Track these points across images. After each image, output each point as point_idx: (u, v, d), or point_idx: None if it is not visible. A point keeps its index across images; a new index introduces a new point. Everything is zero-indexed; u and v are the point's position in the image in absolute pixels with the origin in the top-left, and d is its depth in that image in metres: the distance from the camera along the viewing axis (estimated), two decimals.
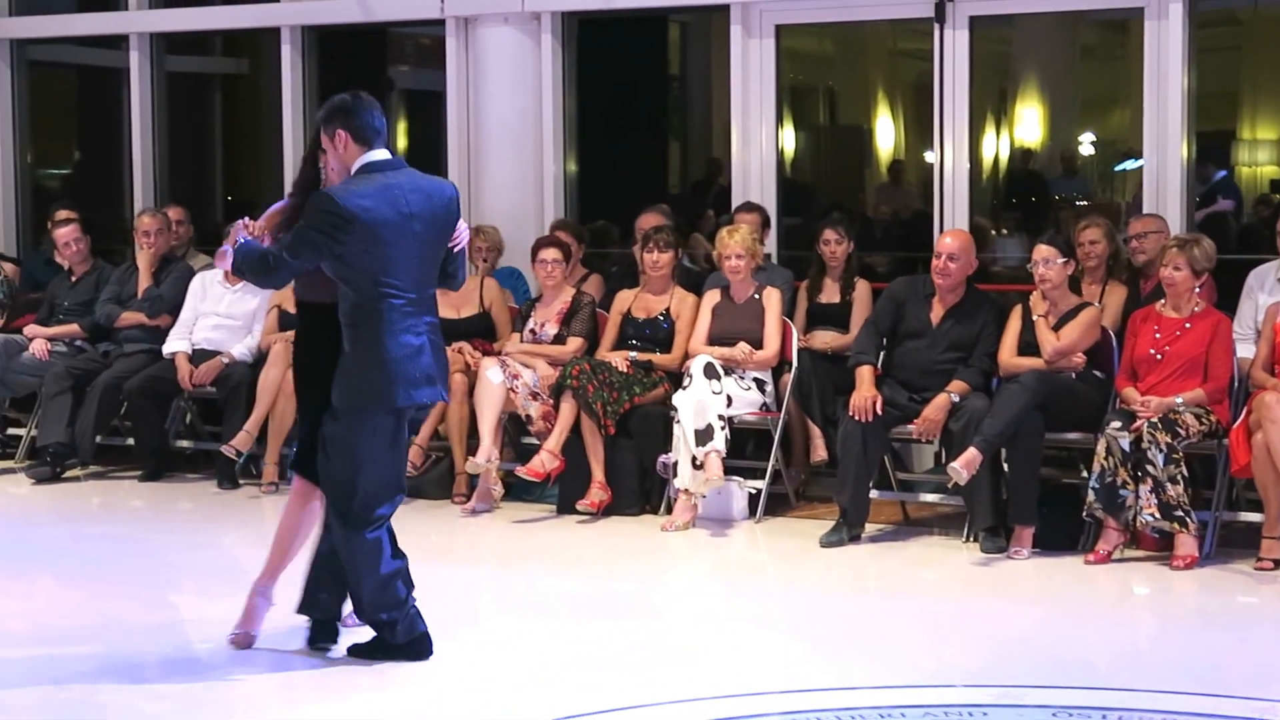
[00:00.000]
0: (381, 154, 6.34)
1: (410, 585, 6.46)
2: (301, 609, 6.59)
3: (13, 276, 11.87)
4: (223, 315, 10.52)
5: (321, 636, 6.61)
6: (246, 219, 6.48)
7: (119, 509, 10.03)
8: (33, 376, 10.80)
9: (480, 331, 10.12)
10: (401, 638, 6.45)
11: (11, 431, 11.29)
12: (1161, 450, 8.03)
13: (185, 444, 10.89)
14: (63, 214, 11.37)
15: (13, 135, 13.14)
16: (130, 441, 10.84)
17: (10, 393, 10.98)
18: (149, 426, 10.38)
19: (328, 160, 6.46)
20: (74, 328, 10.94)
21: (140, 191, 12.57)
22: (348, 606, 6.59)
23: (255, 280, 6.47)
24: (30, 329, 10.98)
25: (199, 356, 10.39)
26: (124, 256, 12.02)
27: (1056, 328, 8.63)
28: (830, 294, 9.91)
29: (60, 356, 10.79)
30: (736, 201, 10.85)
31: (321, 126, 6.38)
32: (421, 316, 6.31)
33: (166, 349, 10.43)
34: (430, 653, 6.48)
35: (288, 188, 11.89)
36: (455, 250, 6.51)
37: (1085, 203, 12.52)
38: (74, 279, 11.17)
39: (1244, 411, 8.21)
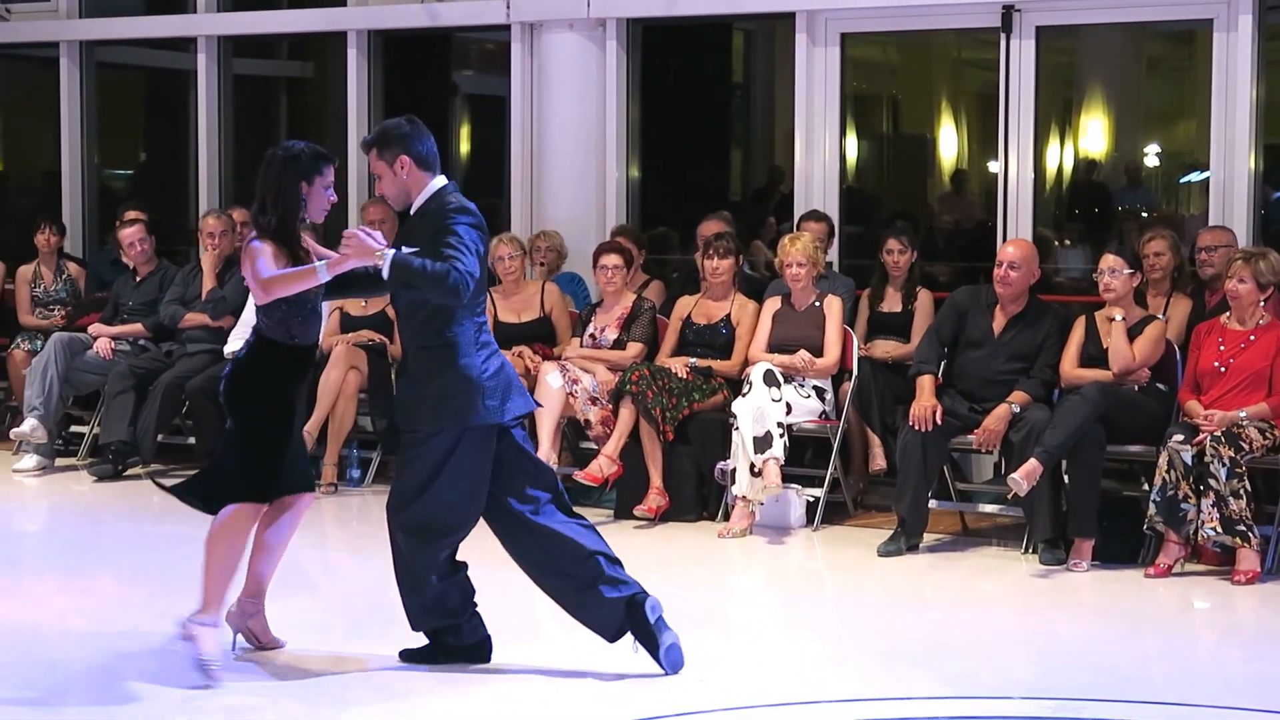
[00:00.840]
0: (444, 179, 6.38)
1: (471, 591, 6.47)
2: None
3: (77, 276, 11.97)
4: None
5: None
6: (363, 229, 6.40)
7: (179, 508, 9.88)
8: (96, 375, 10.89)
9: (540, 336, 10.13)
10: (467, 639, 6.50)
11: (74, 429, 11.37)
12: (1224, 464, 7.97)
13: None
14: (130, 214, 11.45)
15: (80, 136, 13.25)
16: (191, 441, 10.91)
17: (74, 391, 11.05)
18: (210, 426, 10.40)
19: (382, 186, 6.42)
20: (138, 327, 11.02)
21: (205, 193, 12.66)
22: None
23: (434, 294, 6.15)
24: (94, 328, 11.06)
25: None
26: (188, 258, 12.11)
27: None
28: (892, 303, 9.88)
29: (124, 355, 10.87)
30: (799, 209, 10.84)
31: (376, 150, 6.35)
32: (488, 334, 6.41)
33: (228, 349, 10.48)
34: (489, 657, 6.49)
35: (353, 191, 12.05)
36: None
37: (1148, 214, 12.43)
38: (138, 279, 11.25)
39: None
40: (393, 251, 6.16)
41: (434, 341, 6.27)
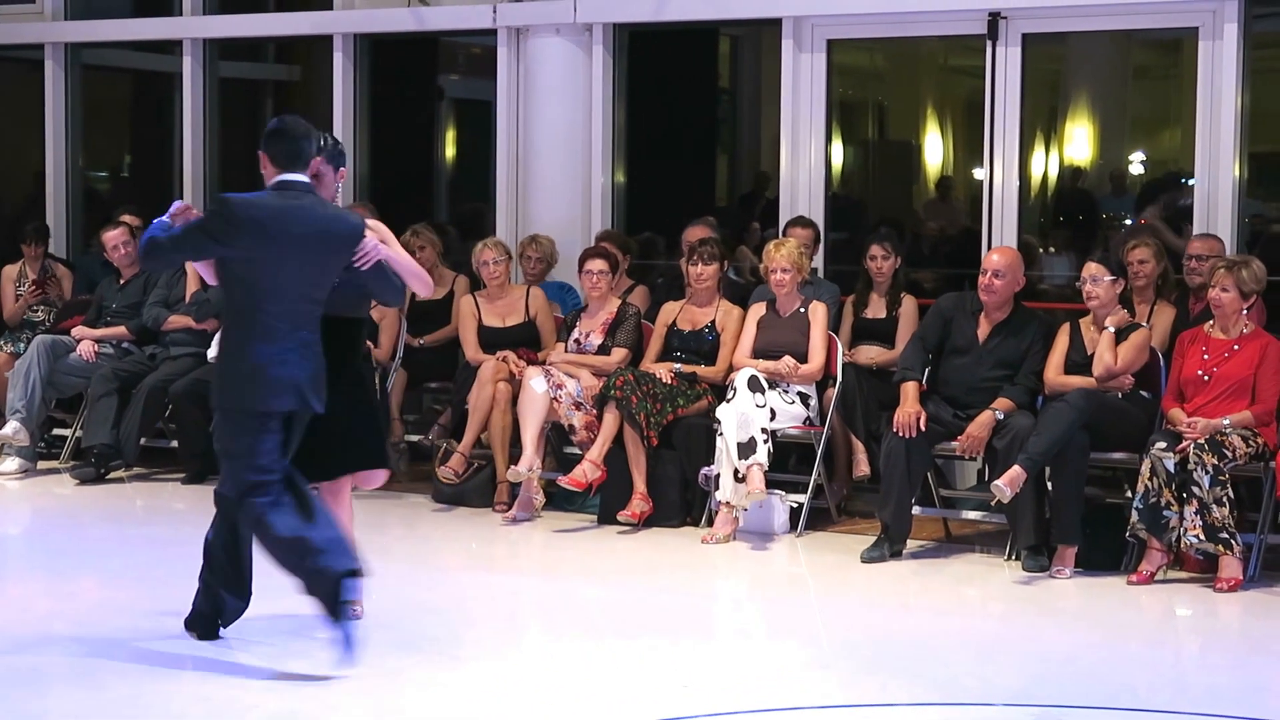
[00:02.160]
0: (295, 177, 6.61)
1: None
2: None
3: (64, 278, 11.95)
4: None
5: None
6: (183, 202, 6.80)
7: (162, 511, 10.06)
8: (79, 378, 10.85)
9: (525, 340, 10.13)
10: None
11: (57, 432, 11.34)
12: (1208, 472, 7.98)
13: None
14: (124, 218, 11.43)
15: (65, 139, 13.22)
16: (175, 444, 10.89)
17: (57, 393, 11.01)
18: (193, 429, 10.37)
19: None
20: (121, 330, 10.99)
21: (191, 196, 12.62)
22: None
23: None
24: (78, 330, 11.03)
25: None
26: None
27: None
28: (876, 309, 9.88)
29: (107, 358, 10.85)
30: (784, 215, 10.84)
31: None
32: (296, 330, 6.50)
33: (211, 353, 10.46)
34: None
35: (339, 196, 12.01)
36: (366, 269, 6.72)
37: (1130, 220, 12.45)
38: (122, 281, 11.22)
39: None
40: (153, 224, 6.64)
41: (226, 322, 6.76)
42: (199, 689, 6.28)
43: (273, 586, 6.70)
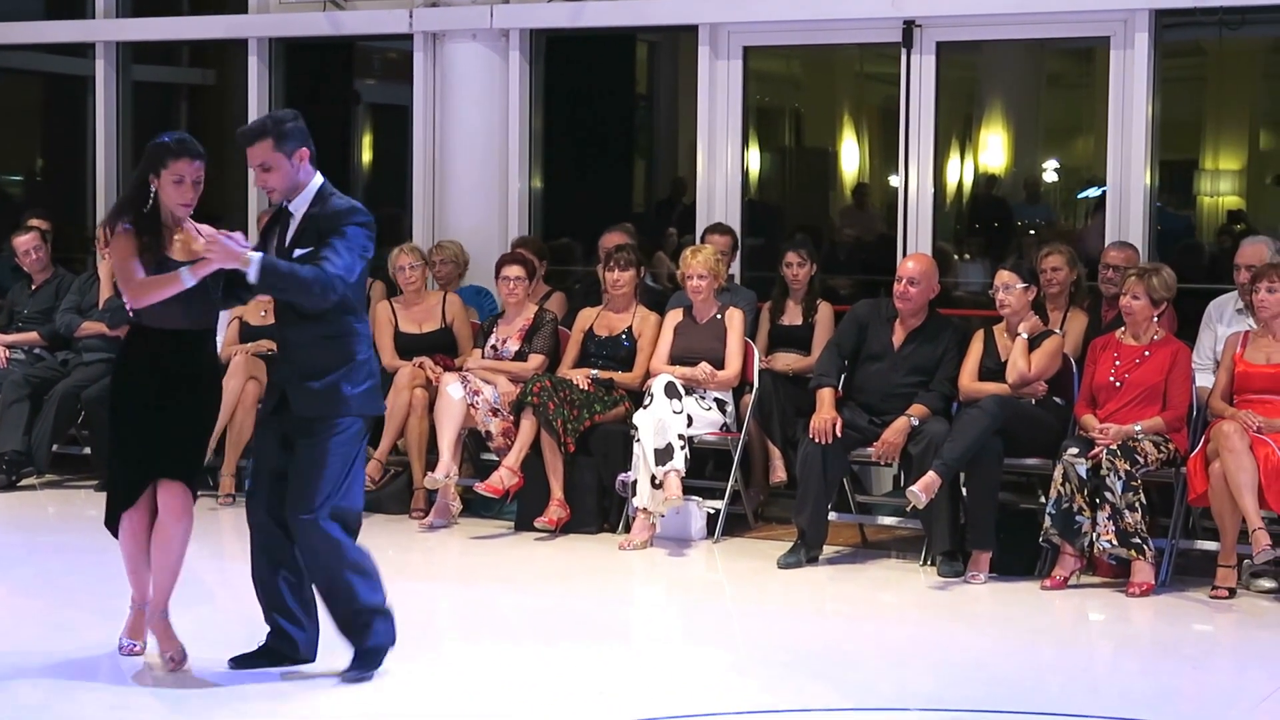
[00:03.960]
0: (321, 178, 6.40)
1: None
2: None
3: None
4: None
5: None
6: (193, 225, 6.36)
7: (75, 518, 9.96)
8: None
9: (442, 346, 10.10)
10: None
11: None
12: (1120, 477, 8.05)
13: None
14: (33, 222, 11.31)
15: None
16: (87, 451, 10.78)
17: None
18: (106, 436, 10.28)
19: (271, 178, 6.33)
20: (33, 335, 10.90)
21: (104, 200, 12.52)
22: None
23: (307, 301, 6.19)
24: None
25: None
26: (85, 265, 11.96)
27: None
28: (793, 316, 9.91)
29: (18, 364, 10.74)
30: (701, 221, 10.87)
31: (274, 141, 6.27)
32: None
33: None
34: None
35: (252, 200, 11.98)
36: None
37: (1048, 227, 12.56)
38: (34, 286, 11.13)
39: (1202, 440, 8.23)
40: (259, 255, 6.13)
41: (340, 329, 6.30)
42: (113, 698, 6.22)
43: (188, 595, 6.66)
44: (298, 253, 6.26)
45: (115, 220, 6.39)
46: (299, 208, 6.38)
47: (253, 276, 6.14)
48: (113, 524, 6.57)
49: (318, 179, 6.37)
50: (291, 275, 6.13)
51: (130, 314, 6.47)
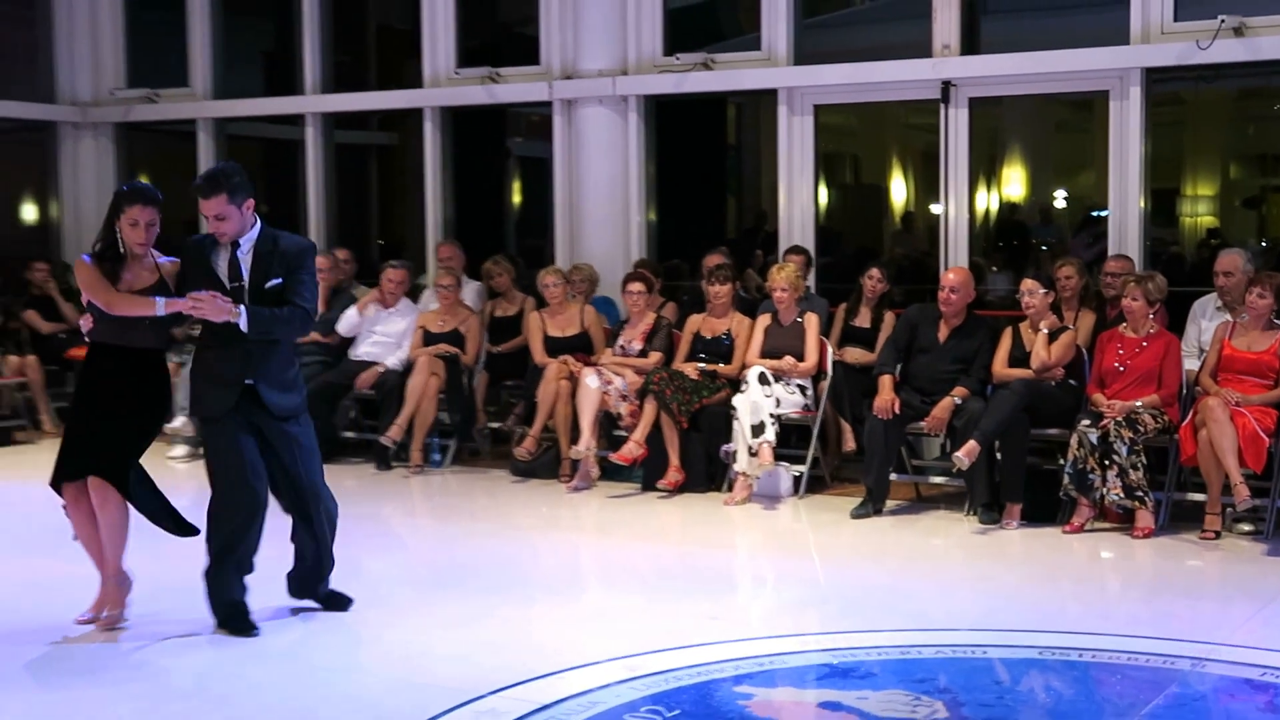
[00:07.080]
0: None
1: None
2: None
3: None
4: (380, 333, 10.57)
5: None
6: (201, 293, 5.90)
7: None
8: None
9: (581, 347, 10.14)
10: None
11: None
12: (1125, 443, 7.97)
13: (350, 435, 10.94)
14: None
15: None
16: None
17: None
18: (321, 421, 10.39)
19: (226, 225, 5.90)
20: None
21: (319, 240, 12.64)
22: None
23: (291, 335, 6.05)
24: None
25: (361, 367, 10.45)
26: None
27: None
28: (863, 319, 9.85)
29: None
30: (783, 244, 10.83)
31: (228, 195, 5.88)
32: None
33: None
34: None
35: (430, 235, 12.07)
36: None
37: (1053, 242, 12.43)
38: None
39: (1191, 412, 8.13)
40: (244, 309, 5.86)
41: (289, 349, 6.15)
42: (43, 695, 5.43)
43: (381, 544, 6.69)
44: (271, 283, 5.98)
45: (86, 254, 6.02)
46: (246, 244, 6.00)
47: (244, 327, 5.87)
48: (55, 486, 6.12)
49: (258, 221, 6.02)
50: (274, 319, 5.92)
51: (85, 337, 6.08)
